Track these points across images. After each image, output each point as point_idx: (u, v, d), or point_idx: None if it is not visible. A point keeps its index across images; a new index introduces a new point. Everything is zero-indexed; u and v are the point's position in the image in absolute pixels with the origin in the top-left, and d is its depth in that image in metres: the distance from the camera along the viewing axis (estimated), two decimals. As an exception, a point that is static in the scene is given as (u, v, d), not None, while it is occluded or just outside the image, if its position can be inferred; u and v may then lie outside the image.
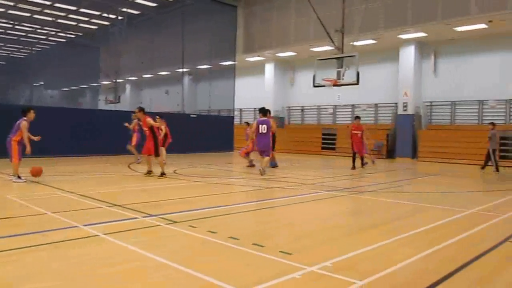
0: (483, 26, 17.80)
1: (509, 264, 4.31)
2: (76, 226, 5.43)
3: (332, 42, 16.30)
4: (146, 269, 3.90)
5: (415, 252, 4.57)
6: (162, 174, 11.22)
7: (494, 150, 15.19)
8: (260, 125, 12.35)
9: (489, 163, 15.22)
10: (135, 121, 15.72)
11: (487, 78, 19.60)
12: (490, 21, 17.19)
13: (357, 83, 14.96)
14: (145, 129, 11.50)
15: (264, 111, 12.78)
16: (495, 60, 19.47)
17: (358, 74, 14.66)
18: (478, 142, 18.79)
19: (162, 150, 15.79)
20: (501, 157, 18.28)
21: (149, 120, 11.23)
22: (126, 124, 15.69)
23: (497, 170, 15.02)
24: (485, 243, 5.06)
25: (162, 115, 16.06)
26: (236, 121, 27.83)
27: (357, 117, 15.85)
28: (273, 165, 14.73)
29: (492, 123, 15.67)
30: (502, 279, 3.85)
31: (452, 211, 7.15)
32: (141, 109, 11.57)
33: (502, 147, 18.55)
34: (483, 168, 15.30)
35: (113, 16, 26.82)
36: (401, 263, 4.19)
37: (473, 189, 10.91)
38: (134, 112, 13.48)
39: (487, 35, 19.23)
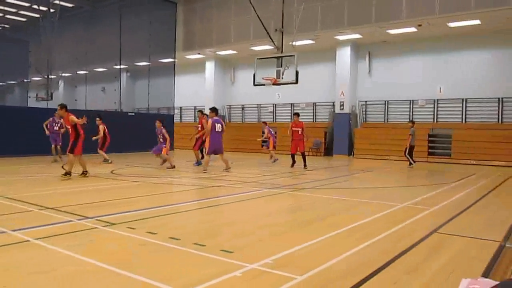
0: (413, 29, 18.84)
1: (436, 253, 4.59)
2: (3, 232, 5.09)
3: (272, 41, 16.50)
4: (83, 274, 3.73)
5: (352, 245, 4.75)
6: (67, 173, 10.46)
7: (412, 147, 16.46)
8: (216, 124, 12.43)
9: (413, 159, 16.45)
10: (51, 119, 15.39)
11: (417, 78, 20.75)
12: (419, 25, 18.23)
13: (296, 82, 15.25)
14: (68, 127, 10.95)
15: (216, 110, 12.84)
16: (425, 61, 20.67)
17: (297, 73, 14.95)
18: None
19: (102, 152, 15.28)
20: (429, 154, 19.52)
21: (72, 117, 10.65)
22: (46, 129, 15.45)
23: (412, 163, 16.53)
24: (416, 234, 5.35)
25: (101, 116, 15.54)
26: (176, 119, 27.46)
27: (296, 114, 16.09)
28: (199, 164, 14.70)
29: (412, 121, 16.90)
30: (431, 267, 4.09)
31: (386, 205, 7.51)
32: (63, 106, 10.87)
33: (430, 144, 19.78)
34: (410, 164, 16.27)
35: (44, 8, 25.37)
36: (339, 256, 4.33)
37: (404, 184, 11.51)
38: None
39: (417, 38, 20.35)
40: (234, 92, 27.79)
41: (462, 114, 19.70)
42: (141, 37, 24.64)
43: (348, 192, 9.35)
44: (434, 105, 20.43)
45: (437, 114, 20.39)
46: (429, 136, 19.81)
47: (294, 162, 15.19)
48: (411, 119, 20.20)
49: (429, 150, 19.71)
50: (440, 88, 20.18)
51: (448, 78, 19.95)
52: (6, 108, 20.85)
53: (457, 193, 9.33)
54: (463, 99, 19.62)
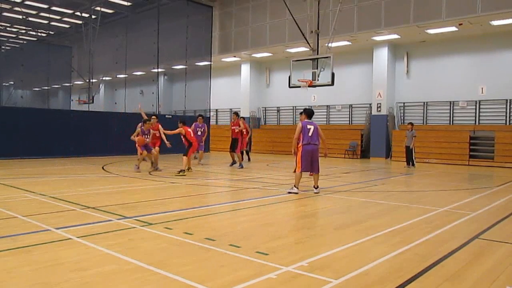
0: (453, 29, 18.28)
1: (478, 260, 4.43)
2: (48, 230, 5.31)
3: (308, 43, 16.44)
4: (121, 272, 3.84)
5: (389, 250, 4.65)
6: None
7: (407, 147, 16.69)
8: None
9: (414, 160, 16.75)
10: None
11: (458, 79, 20.11)
12: (460, 24, 17.67)
13: (332, 84, 15.12)
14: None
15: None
16: (465, 61, 20.01)
17: (333, 75, 14.83)
18: (449, 142, 19.33)
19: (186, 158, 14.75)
20: (471, 157, 18.89)
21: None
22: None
23: (407, 164, 16.70)
24: (456, 240, 5.19)
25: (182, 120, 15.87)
26: (212, 121, 27.76)
27: (236, 113, 16.30)
28: (242, 166, 14.90)
29: (411, 123, 17.03)
30: (472, 275, 3.96)
31: (425, 209, 7.31)
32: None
33: (471, 147, 19.11)
34: (409, 164, 16.60)
35: (86, 15, 26.31)
36: (376, 261, 4.25)
37: (444, 188, 11.16)
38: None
39: (457, 37, 19.75)
40: (269, 94, 27.82)
41: (506, 116, 18.92)
42: (178, 41, 25.11)
43: (385, 196, 9.17)
44: (475, 106, 19.73)
45: (479, 116, 19.68)
46: (471, 138, 19.14)
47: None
48: (453, 121, 19.82)
49: (471, 153, 19.04)
50: (482, 89, 19.47)
51: (491, 78, 19.22)
52: (51, 111, 21.72)
53: (499, 198, 8.98)
54: (507, 100, 18.85)
